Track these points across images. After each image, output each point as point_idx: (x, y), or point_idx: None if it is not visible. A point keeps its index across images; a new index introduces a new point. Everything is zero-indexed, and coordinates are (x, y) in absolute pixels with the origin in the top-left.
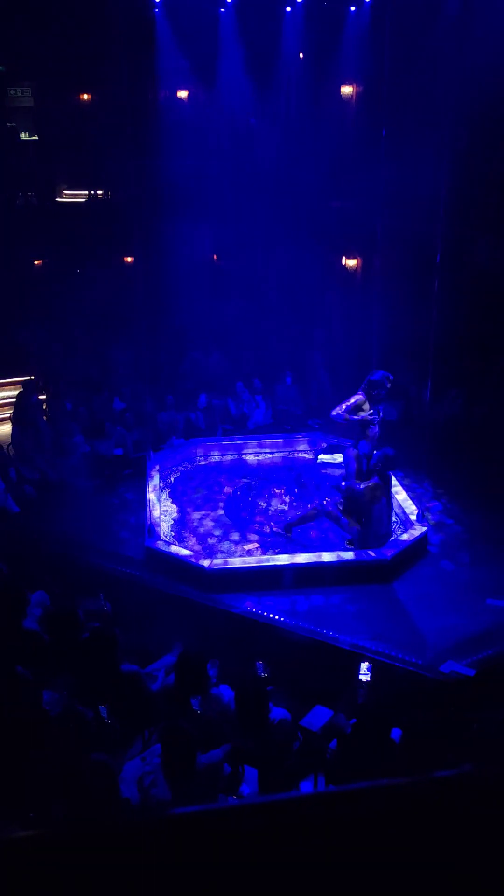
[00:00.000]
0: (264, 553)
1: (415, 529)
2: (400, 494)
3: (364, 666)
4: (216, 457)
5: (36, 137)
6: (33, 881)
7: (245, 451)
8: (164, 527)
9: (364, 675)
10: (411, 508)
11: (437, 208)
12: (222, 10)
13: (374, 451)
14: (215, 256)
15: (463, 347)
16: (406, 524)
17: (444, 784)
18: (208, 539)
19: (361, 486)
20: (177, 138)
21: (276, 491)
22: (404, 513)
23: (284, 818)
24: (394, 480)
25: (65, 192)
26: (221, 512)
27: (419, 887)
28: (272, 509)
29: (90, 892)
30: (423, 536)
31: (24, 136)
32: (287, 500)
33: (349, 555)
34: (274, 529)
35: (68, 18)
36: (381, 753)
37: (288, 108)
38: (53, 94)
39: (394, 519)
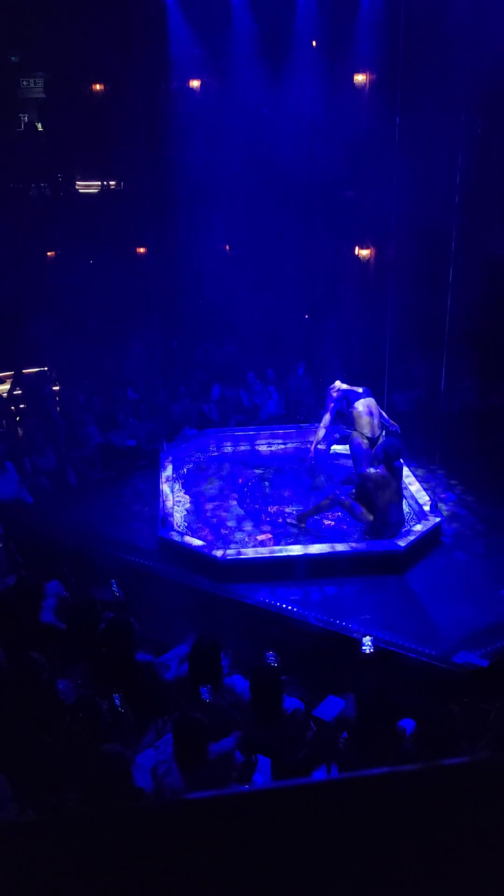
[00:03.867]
0: (277, 543)
1: (428, 520)
2: (413, 485)
3: (367, 639)
4: (229, 448)
5: (48, 128)
6: (41, 864)
7: (258, 442)
8: (178, 517)
9: (367, 647)
10: (425, 499)
11: (452, 197)
12: None
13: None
14: (228, 247)
15: (477, 337)
16: (420, 515)
17: (458, 771)
18: (221, 530)
19: (368, 472)
20: (189, 128)
21: (289, 482)
22: (418, 503)
23: (292, 804)
24: (407, 471)
25: (77, 182)
26: (234, 503)
27: (430, 874)
28: (285, 500)
29: (99, 875)
30: (436, 527)
31: (37, 126)
32: (300, 490)
33: (362, 545)
34: (287, 520)
35: (80, 8)
36: (388, 742)
37: (301, 97)
38: (66, 85)
39: (407, 509)
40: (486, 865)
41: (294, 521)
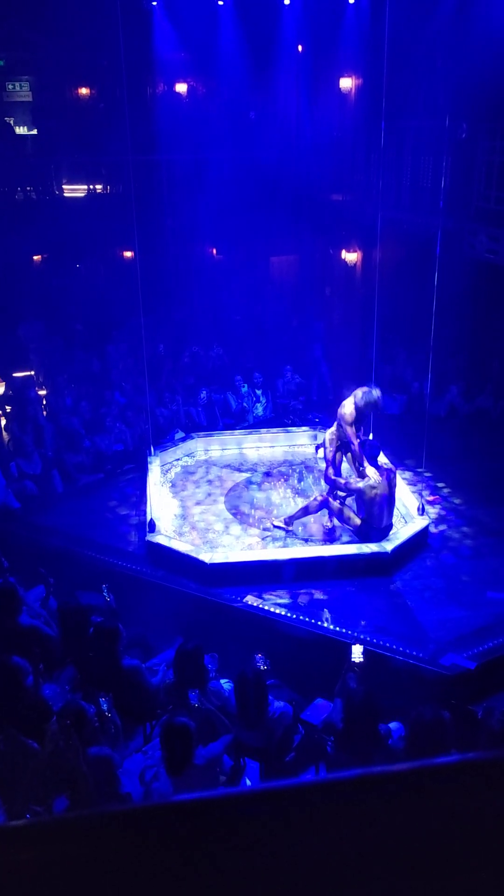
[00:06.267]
0: (265, 547)
1: (416, 522)
2: (401, 488)
3: (357, 649)
4: (217, 451)
5: (35, 132)
6: (28, 870)
7: (245, 445)
8: (165, 521)
9: (357, 658)
10: (412, 501)
11: (437, 200)
12: (220, 2)
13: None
14: (214, 251)
15: (464, 340)
16: (407, 517)
17: (447, 771)
18: (209, 533)
19: (362, 484)
20: (176, 132)
21: (277, 485)
22: (405, 506)
23: (280, 804)
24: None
25: (64, 186)
26: (222, 506)
27: (421, 875)
28: (273, 503)
29: (87, 880)
30: (424, 529)
31: (22, 130)
32: (288, 493)
33: (350, 548)
34: (275, 523)
35: (66, 12)
36: (373, 744)
37: (287, 101)
38: (52, 89)
39: (394, 512)
40: (479, 864)
41: (281, 524)
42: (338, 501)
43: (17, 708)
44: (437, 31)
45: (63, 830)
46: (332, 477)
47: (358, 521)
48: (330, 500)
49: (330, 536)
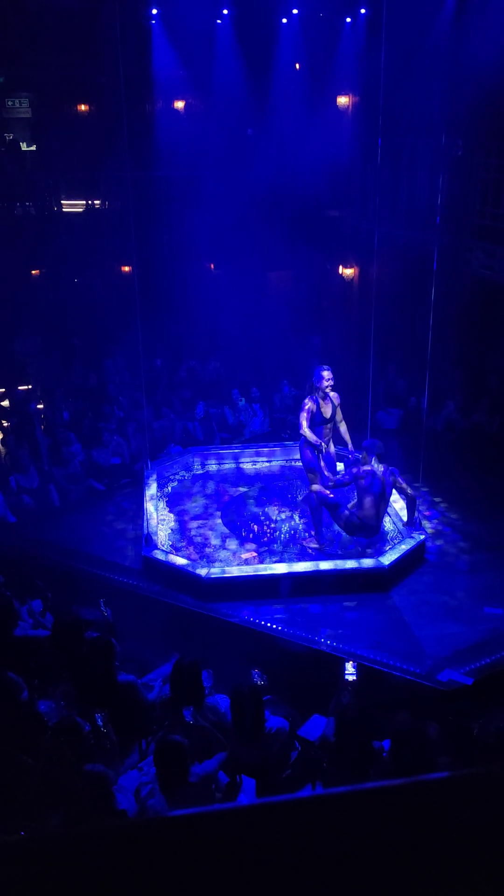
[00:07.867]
0: (262, 562)
1: (412, 538)
2: (397, 503)
3: (349, 665)
4: (213, 465)
5: (34, 147)
6: (24, 885)
7: (242, 460)
8: (162, 536)
9: (350, 675)
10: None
11: (434, 217)
12: (219, 21)
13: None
14: (212, 265)
15: (460, 355)
16: (404, 532)
17: (441, 786)
18: (206, 548)
19: (347, 477)
20: (174, 148)
21: (274, 499)
22: (402, 520)
23: (274, 822)
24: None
25: (63, 201)
26: (219, 521)
27: (416, 889)
28: (270, 518)
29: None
30: (420, 544)
31: (22, 145)
32: (285, 508)
33: (347, 563)
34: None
35: (66, 30)
36: (365, 761)
37: (284, 118)
38: (51, 105)
39: (391, 527)
40: (474, 878)
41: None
42: (334, 500)
43: (12, 723)
44: (434, 49)
45: (57, 847)
46: (326, 474)
47: (347, 513)
48: (329, 499)
49: (336, 541)
